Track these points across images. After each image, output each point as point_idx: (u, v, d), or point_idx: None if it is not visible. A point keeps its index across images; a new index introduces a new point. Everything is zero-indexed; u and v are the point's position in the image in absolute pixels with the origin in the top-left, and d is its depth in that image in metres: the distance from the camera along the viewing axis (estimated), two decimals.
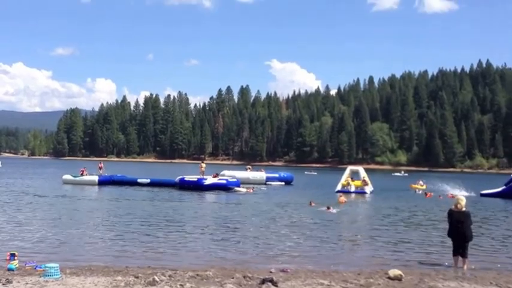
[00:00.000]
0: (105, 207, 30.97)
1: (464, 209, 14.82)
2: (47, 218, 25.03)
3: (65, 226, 22.24)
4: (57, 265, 12.33)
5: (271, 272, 13.52)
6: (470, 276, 13.61)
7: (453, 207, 14.97)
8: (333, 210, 30.57)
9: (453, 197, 45.08)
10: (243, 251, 17.54)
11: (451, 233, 15.05)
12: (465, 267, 14.77)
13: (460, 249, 14.87)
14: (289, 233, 21.69)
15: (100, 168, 58.62)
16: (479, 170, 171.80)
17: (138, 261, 15.03)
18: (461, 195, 15.31)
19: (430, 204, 38.48)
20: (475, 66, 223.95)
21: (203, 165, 55.57)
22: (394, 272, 12.93)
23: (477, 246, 17.89)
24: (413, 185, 58.62)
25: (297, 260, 16.02)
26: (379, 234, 22.08)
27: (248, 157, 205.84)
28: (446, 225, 20.71)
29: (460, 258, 14.94)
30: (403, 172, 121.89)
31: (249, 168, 68.83)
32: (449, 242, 15.70)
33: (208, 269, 13.55)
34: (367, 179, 49.86)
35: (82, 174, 53.66)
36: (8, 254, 13.96)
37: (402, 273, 12.86)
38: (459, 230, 14.72)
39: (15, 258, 13.66)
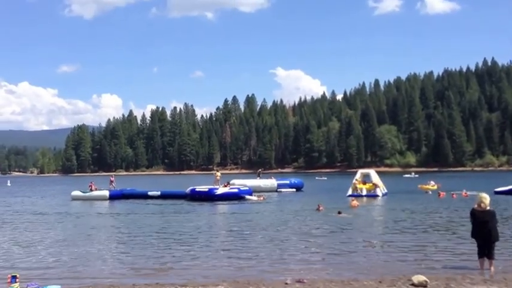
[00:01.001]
0: (112, 223, 30.14)
1: (488, 207, 14.04)
2: (51, 236, 24.17)
3: (70, 244, 21.41)
4: (59, 287, 11.67)
5: (286, 283, 12.83)
6: (499, 279, 12.83)
7: (476, 206, 14.16)
8: (347, 215, 29.98)
9: (467, 195, 44.63)
10: (256, 262, 16.74)
11: (475, 234, 14.22)
12: (492, 269, 13.96)
13: (485, 250, 14.07)
14: (303, 241, 20.94)
15: (111, 182, 57.97)
16: (490, 168, 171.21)
17: (146, 279, 14.32)
18: (484, 194, 14.40)
19: (445, 204, 37.72)
20: (480, 64, 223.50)
21: (218, 174, 54.85)
22: (418, 278, 12.16)
23: (500, 246, 17.05)
24: (424, 186, 57.70)
25: (313, 270, 15.27)
26: (396, 238, 21.32)
27: (257, 165, 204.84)
28: (466, 226, 19.93)
29: (486, 259, 14.16)
30: (413, 173, 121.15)
31: (260, 172, 68.50)
32: (472, 243, 14.97)
33: (219, 283, 12.88)
34: (376, 181, 49.01)
35: (91, 189, 53.12)
36: (9, 276, 13.27)
37: (427, 279, 12.11)
38: (484, 230, 13.89)
39: (17, 280, 12.96)
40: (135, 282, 13.53)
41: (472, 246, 15.11)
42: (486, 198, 14.02)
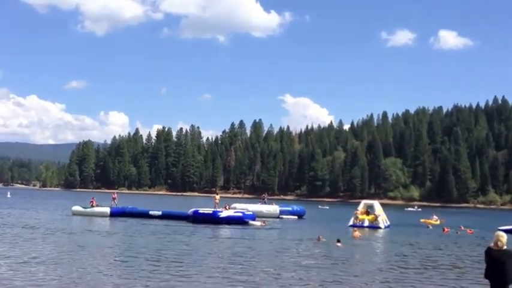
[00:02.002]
0: (109, 243, 29.35)
1: (505, 247, 13.31)
2: (42, 254, 23.26)
3: (59, 264, 20.62)
4: None
5: None
6: None
7: (492, 245, 13.41)
8: (345, 245, 29.61)
9: (472, 232, 44.05)
10: None
11: (489, 274, 13.46)
12: None
13: None
14: (301, 273, 20.25)
15: (113, 198, 57.70)
16: (492, 206, 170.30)
17: None
18: (501, 232, 13.62)
19: (449, 241, 37.03)
20: (490, 102, 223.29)
21: (217, 197, 54.84)
22: None
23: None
24: (427, 220, 57.16)
25: None
26: (397, 275, 20.56)
27: (260, 190, 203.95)
28: (473, 265, 19.23)
29: None
30: (416, 207, 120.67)
31: (265, 197, 68.28)
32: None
33: None
34: (379, 213, 48.42)
35: (92, 205, 52.72)
36: None
37: None
38: (500, 271, 13.14)
39: None
40: None
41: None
42: (503, 236, 13.25)
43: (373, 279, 19.40)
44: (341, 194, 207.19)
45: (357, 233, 37.42)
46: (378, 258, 26.65)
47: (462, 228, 46.95)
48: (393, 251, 29.33)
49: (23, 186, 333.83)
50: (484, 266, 13.48)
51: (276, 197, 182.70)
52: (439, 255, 28.18)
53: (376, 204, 50.82)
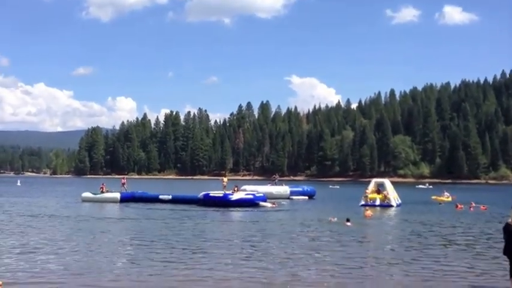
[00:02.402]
0: (118, 229, 29.16)
1: None
2: (52, 242, 22.98)
3: (71, 252, 20.34)
4: None
5: None
6: None
7: (510, 220, 13.07)
8: (354, 224, 29.56)
9: (485, 208, 43.56)
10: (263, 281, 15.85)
11: (507, 251, 13.10)
12: None
13: None
14: (313, 255, 19.95)
15: (123, 184, 57.65)
16: (504, 182, 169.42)
17: None
18: None
19: (464, 218, 36.56)
20: (498, 76, 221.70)
21: (225, 179, 55.16)
22: None
23: None
24: (438, 197, 56.69)
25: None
26: (410, 254, 20.24)
27: (269, 172, 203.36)
28: (490, 243, 18.79)
29: None
30: (427, 184, 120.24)
31: (276, 178, 68.10)
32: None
33: None
34: (390, 190, 47.98)
35: (102, 191, 52.49)
36: None
37: None
38: None
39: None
40: None
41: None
42: None
43: (387, 259, 19.06)
44: (351, 173, 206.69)
45: (369, 212, 37.13)
46: (391, 237, 26.27)
47: (473, 204, 46.41)
48: (406, 229, 28.94)
49: (34, 174, 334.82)
50: (501, 242, 13.15)
51: (285, 177, 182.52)
52: (454, 232, 27.80)
53: (387, 182, 50.45)
